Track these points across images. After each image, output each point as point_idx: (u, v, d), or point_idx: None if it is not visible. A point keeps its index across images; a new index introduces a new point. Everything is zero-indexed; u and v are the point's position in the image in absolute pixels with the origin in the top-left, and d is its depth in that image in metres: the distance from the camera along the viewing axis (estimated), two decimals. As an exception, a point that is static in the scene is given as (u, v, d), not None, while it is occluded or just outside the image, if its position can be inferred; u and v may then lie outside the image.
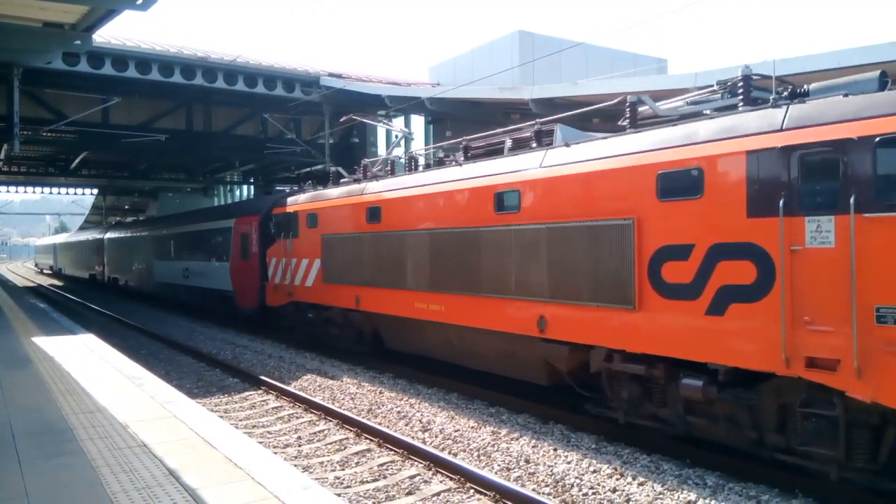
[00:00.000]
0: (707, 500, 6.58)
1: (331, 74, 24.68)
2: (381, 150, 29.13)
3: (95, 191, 48.58)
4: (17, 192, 44.91)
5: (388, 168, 14.74)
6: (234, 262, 20.58)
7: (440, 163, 13.00)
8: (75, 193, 48.73)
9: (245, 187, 41.47)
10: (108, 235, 39.16)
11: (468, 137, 11.91)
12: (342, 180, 15.73)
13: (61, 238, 64.92)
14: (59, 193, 47.39)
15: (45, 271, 74.84)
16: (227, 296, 21.16)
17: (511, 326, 9.73)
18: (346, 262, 13.94)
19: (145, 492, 4.98)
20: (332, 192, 15.23)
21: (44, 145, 27.11)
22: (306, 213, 15.74)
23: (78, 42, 12.33)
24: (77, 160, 29.74)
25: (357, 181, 14.72)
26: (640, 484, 7.08)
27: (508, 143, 10.82)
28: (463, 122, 24.73)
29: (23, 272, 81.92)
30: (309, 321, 15.92)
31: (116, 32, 23.17)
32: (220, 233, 21.79)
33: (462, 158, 11.45)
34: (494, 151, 11.03)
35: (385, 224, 12.62)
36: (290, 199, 16.91)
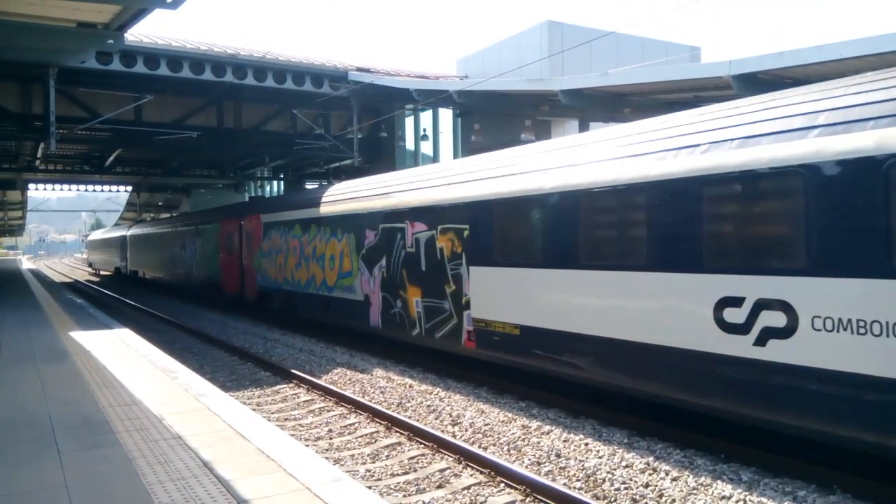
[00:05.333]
0: (742, 496, 6.47)
1: (359, 69, 24.74)
2: (410, 144, 29.20)
3: (129, 188, 49.45)
4: (53, 189, 45.75)
5: None
6: None
7: None
8: (110, 191, 49.66)
9: (276, 183, 41.85)
10: (273, 216, 19.85)
11: None
12: None
13: (137, 228, 43.27)
14: (94, 191, 48.26)
15: (101, 272, 59.77)
16: None
17: None
18: None
19: (180, 483, 5.05)
20: None
21: (79, 143, 27.58)
22: None
23: (111, 41, 12.55)
24: (111, 158, 30.24)
25: None
26: (674, 479, 6.99)
27: None
28: (491, 116, 24.67)
29: (59, 268, 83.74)
30: None
31: (148, 31, 23.51)
32: None
33: None
34: None
35: None
36: None
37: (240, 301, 22.66)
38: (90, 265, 68.69)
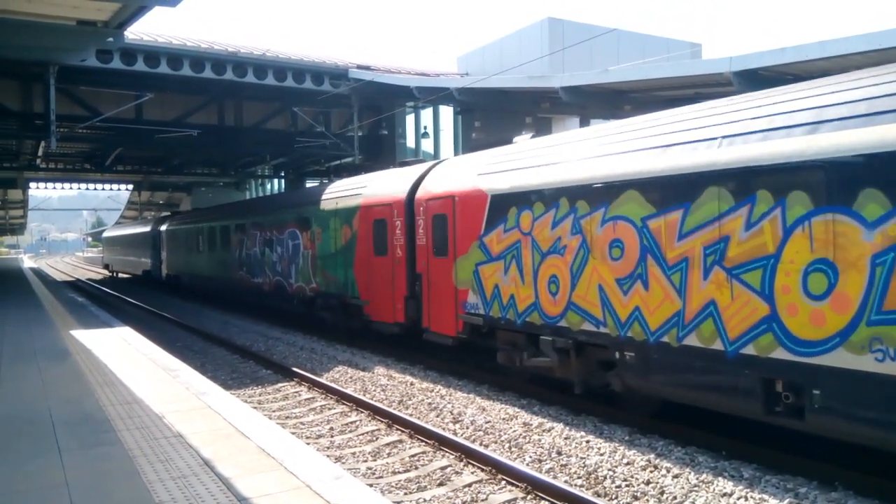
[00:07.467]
0: (744, 493, 6.46)
1: (359, 66, 24.73)
2: (410, 141, 29.21)
3: (130, 186, 49.48)
4: (55, 188, 45.80)
5: None
6: None
7: None
8: (111, 189, 49.70)
9: (276, 181, 41.86)
10: (526, 179, 9.86)
11: None
12: None
13: (179, 221, 32.06)
14: (95, 189, 48.29)
15: (119, 275, 48.80)
16: None
17: None
18: None
19: (181, 481, 5.05)
20: None
21: (80, 142, 27.63)
22: None
23: (110, 39, 12.59)
24: (112, 156, 30.28)
25: None
26: (675, 476, 6.98)
27: None
28: (492, 113, 24.67)
29: (61, 267, 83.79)
30: None
31: (148, 29, 23.49)
32: None
33: None
34: None
35: None
36: None
37: (411, 334, 13.52)
38: (106, 267, 56.52)
